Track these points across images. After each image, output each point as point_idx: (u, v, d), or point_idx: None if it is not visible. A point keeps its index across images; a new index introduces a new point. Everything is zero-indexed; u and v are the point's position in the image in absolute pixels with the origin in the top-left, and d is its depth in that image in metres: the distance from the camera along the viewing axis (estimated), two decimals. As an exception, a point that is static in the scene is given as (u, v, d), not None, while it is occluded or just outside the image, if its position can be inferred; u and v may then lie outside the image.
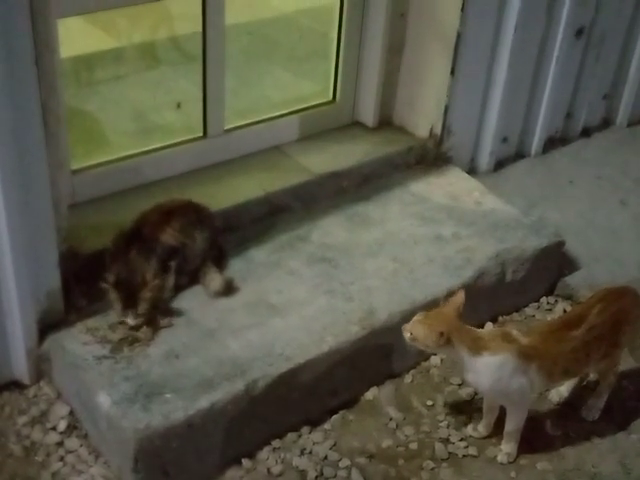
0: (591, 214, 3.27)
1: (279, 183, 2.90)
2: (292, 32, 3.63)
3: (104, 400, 2.16)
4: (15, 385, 2.42)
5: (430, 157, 3.24)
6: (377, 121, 3.30)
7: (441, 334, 2.15)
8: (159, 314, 2.42)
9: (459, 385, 2.57)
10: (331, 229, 2.85)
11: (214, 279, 2.53)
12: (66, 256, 2.38)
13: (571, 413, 2.52)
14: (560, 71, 3.40)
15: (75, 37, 2.74)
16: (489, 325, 2.78)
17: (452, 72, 3.08)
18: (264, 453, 2.32)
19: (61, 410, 2.36)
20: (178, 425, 2.13)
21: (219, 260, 2.62)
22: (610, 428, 2.48)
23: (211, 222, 2.61)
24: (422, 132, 3.25)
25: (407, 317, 2.27)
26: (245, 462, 2.29)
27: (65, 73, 2.60)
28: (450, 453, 2.38)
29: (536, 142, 3.54)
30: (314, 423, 2.42)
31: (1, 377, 2.40)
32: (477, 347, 2.19)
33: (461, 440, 2.41)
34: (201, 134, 2.97)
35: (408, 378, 2.60)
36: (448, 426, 2.46)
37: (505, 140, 3.43)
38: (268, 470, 2.29)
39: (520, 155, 3.55)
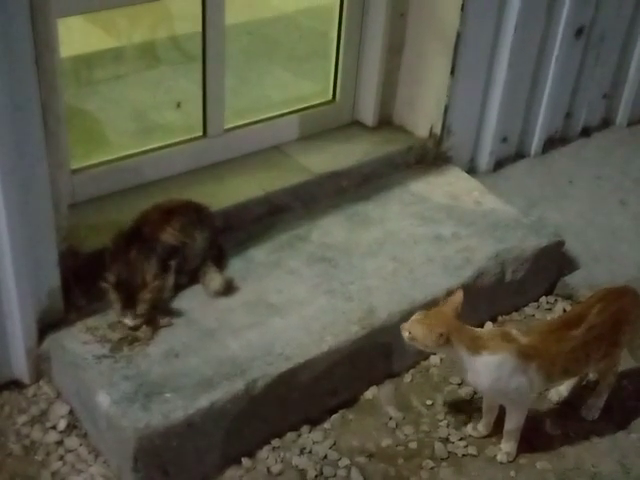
0: (591, 214, 3.27)
1: (279, 183, 2.91)
2: (292, 32, 3.63)
3: (104, 399, 2.17)
4: (15, 384, 2.42)
5: (430, 157, 3.24)
6: (377, 121, 3.30)
7: (440, 334, 2.15)
8: (159, 313, 2.42)
9: (459, 384, 2.57)
10: (331, 229, 2.85)
11: (214, 279, 2.53)
12: (66, 255, 2.38)
13: (571, 412, 2.52)
14: (560, 71, 3.40)
15: (75, 36, 2.75)
16: (489, 325, 2.79)
17: (452, 72, 3.08)
18: (264, 452, 2.33)
19: (61, 409, 2.36)
20: (178, 424, 2.13)
21: (219, 260, 2.62)
22: (610, 428, 2.49)
23: (211, 222, 2.61)
24: (422, 132, 3.25)
25: (407, 317, 2.27)
26: (245, 461, 2.30)
27: (65, 72, 2.60)
28: (450, 452, 2.38)
29: (536, 142, 3.54)
30: (314, 422, 2.42)
31: (1, 376, 2.40)
32: (476, 346, 2.19)
33: (461, 439, 2.41)
34: (201, 134, 2.97)
35: (408, 377, 2.60)
36: (448, 425, 2.46)
37: (505, 140, 3.44)
38: (268, 469, 2.29)
39: (520, 155, 3.55)
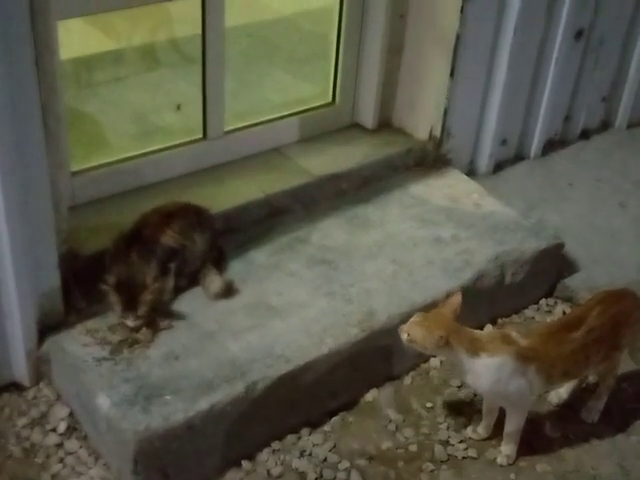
0: (590, 216, 3.27)
1: (279, 185, 2.91)
2: (292, 34, 3.64)
3: (104, 402, 2.16)
4: (15, 387, 2.42)
5: (429, 159, 3.24)
6: (376, 123, 3.30)
7: (439, 336, 2.15)
8: (159, 316, 2.42)
9: (459, 387, 2.57)
10: (331, 231, 2.85)
11: (214, 281, 2.53)
12: (66, 257, 2.38)
13: (571, 415, 2.52)
14: (559, 73, 3.40)
15: (75, 39, 2.75)
16: (489, 327, 2.79)
17: (451, 74, 3.08)
18: (264, 455, 2.32)
19: (61, 412, 2.36)
20: (178, 427, 2.13)
21: (219, 262, 2.62)
22: (609, 430, 2.49)
23: (211, 224, 2.61)
24: (421, 134, 3.25)
25: (406, 319, 2.27)
26: (245, 464, 2.29)
27: (65, 75, 2.60)
28: (450, 455, 2.38)
29: (535, 144, 3.54)
30: (314, 425, 2.42)
31: (1, 379, 2.40)
32: (475, 348, 2.19)
33: (461, 442, 2.41)
34: (201, 136, 2.97)
35: (408, 380, 2.60)
36: (448, 428, 2.46)
37: (504, 142, 3.44)
38: (268, 472, 2.28)
39: (519, 157, 3.55)
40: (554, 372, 2.28)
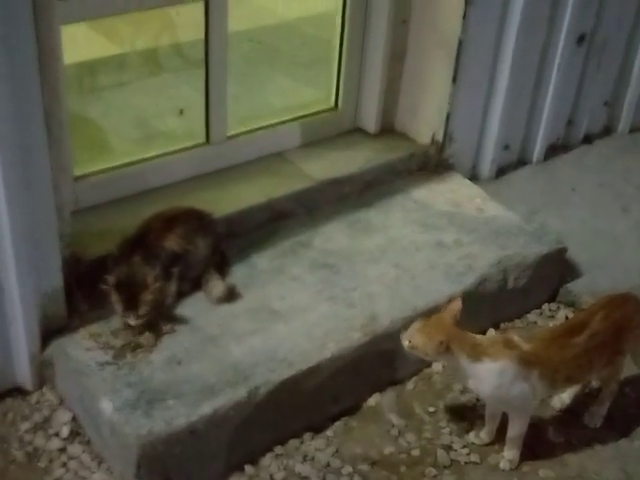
0: (593, 221, 3.27)
1: (281, 189, 2.91)
2: (294, 39, 3.64)
3: (107, 406, 2.17)
4: (18, 391, 2.42)
5: (432, 164, 3.24)
6: (379, 128, 3.30)
7: (440, 342, 2.15)
8: (161, 320, 2.42)
9: (461, 392, 2.57)
10: (333, 235, 2.85)
11: (216, 285, 2.53)
12: (69, 262, 2.38)
13: (573, 420, 2.52)
14: (562, 78, 3.40)
15: (78, 43, 2.75)
16: (491, 331, 2.78)
17: (454, 79, 3.09)
18: (267, 460, 2.32)
19: (64, 416, 2.36)
20: (180, 431, 2.13)
21: (221, 266, 2.62)
22: (612, 435, 2.48)
23: (214, 228, 2.61)
24: (424, 139, 3.25)
25: (409, 324, 2.27)
26: (248, 468, 2.29)
27: (68, 79, 2.60)
28: (452, 460, 2.38)
29: (538, 149, 3.54)
30: (316, 430, 2.42)
31: (4, 383, 2.40)
32: (477, 353, 2.19)
33: (463, 447, 2.41)
34: (204, 140, 2.97)
35: (410, 385, 2.60)
36: (450, 433, 2.45)
37: (507, 147, 3.44)
38: (271, 477, 2.28)
39: (522, 162, 3.55)
40: (557, 377, 2.28)
